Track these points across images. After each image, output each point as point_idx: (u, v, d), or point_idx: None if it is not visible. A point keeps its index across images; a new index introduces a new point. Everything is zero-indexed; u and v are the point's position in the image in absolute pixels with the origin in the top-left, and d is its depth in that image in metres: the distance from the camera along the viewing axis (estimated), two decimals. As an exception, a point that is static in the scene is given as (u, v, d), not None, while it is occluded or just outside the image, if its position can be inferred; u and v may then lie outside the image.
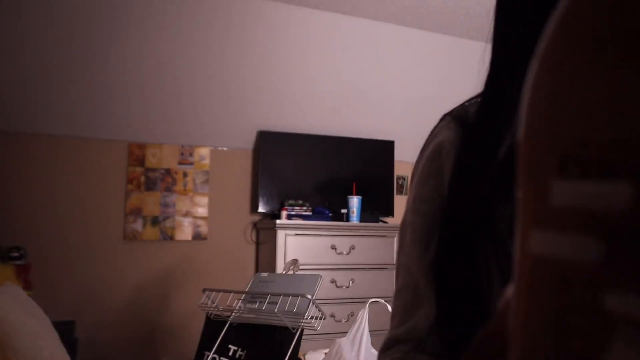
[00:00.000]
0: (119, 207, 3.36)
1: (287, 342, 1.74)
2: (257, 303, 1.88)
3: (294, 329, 1.75)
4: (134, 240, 3.37)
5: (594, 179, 0.15)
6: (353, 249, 3.32)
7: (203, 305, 2.00)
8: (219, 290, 1.98)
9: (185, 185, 3.51)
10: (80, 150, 3.29)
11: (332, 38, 3.63)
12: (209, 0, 3.30)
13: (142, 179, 3.41)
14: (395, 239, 3.41)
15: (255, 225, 3.63)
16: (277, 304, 1.80)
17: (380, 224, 3.52)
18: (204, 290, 2.02)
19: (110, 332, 3.25)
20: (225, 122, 3.55)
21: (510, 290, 0.20)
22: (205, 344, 1.95)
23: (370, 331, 2.06)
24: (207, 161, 3.57)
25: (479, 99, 0.59)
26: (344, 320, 3.23)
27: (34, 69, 3.06)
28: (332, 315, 3.18)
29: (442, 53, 3.90)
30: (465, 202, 0.54)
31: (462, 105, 0.62)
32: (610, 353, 0.15)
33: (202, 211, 3.53)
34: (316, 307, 1.77)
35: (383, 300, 2.18)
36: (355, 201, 3.41)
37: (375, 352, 2.02)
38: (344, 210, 3.45)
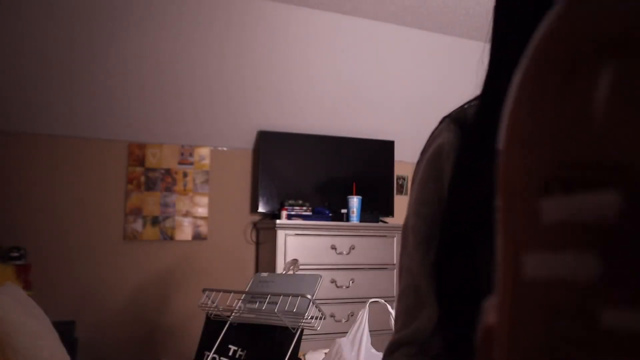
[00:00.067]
0: (119, 207, 3.36)
1: (287, 342, 1.74)
2: (257, 303, 1.88)
3: (294, 329, 1.75)
4: (134, 240, 3.37)
5: (581, 194, 0.15)
6: (353, 249, 3.32)
7: (203, 305, 2.00)
8: (219, 290, 1.98)
9: (185, 185, 3.51)
10: (80, 150, 3.29)
11: (332, 38, 3.63)
12: (209, 0, 3.30)
13: (142, 179, 3.41)
14: (395, 239, 3.42)
15: (255, 225, 3.63)
16: (277, 304, 1.80)
17: (380, 224, 3.52)
18: (204, 290, 2.02)
19: (110, 332, 3.25)
20: (225, 122, 3.55)
21: (490, 317, 0.19)
22: (205, 344, 1.95)
23: (370, 331, 2.06)
24: (207, 161, 3.57)
25: (478, 101, 0.59)
26: (344, 320, 3.23)
27: (34, 69, 3.06)
28: (332, 315, 3.18)
29: (442, 53, 3.91)
30: (465, 204, 0.54)
31: (462, 107, 0.62)
32: None
33: (202, 211, 3.53)
34: (316, 307, 1.77)
35: (383, 300, 2.18)
36: (355, 201, 3.41)
37: (375, 352, 2.02)
38: (344, 210, 3.45)
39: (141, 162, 3.42)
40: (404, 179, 4.05)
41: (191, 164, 3.53)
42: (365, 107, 3.82)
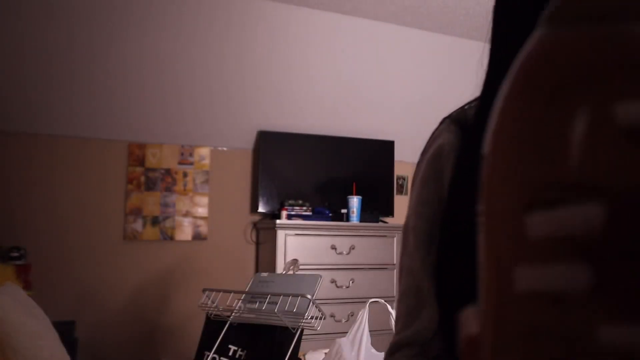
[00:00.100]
0: (119, 207, 3.36)
1: (287, 342, 1.74)
2: (257, 303, 1.88)
3: (294, 329, 1.75)
4: (134, 240, 3.37)
5: (564, 209, 0.16)
6: (353, 249, 3.32)
7: (203, 305, 2.00)
8: (219, 290, 1.98)
9: (185, 185, 3.51)
10: (80, 150, 3.29)
11: (332, 38, 3.63)
12: (209, 0, 3.30)
13: (142, 179, 3.41)
14: (395, 239, 3.42)
15: (255, 225, 3.63)
16: (277, 304, 1.80)
17: (380, 224, 3.52)
18: (204, 290, 2.02)
19: (110, 332, 3.25)
20: (225, 122, 3.55)
21: (472, 328, 0.19)
22: (205, 344, 1.95)
23: (370, 331, 2.06)
24: (207, 161, 3.57)
25: (477, 102, 0.59)
26: (344, 320, 3.23)
27: (34, 69, 3.06)
28: (332, 315, 3.18)
29: (442, 53, 3.90)
30: (465, 204, 0.54)
31: (462, 108, 0.62)
32: None
33: (202, 211, 3.53)
34: (316, 307, 1.77)
35: (383, 300, 2.18)
36: (355, 201, 3.41)
37: (375, 352, 2.02)
38: (344, 210, 3.45)
39: (141, 162, 3.42)
40: (404, 179, 4.05)
41: (191, 164, 3.53)
42: (365, 107, 3.82)
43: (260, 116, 3.60)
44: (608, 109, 0.16)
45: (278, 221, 3.20)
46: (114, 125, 3.34)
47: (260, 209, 3.49)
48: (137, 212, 3.38)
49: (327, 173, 3.66)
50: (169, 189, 3.47)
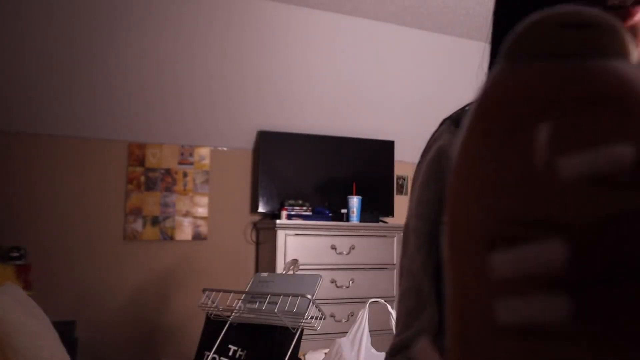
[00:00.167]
0: (119, 207, 3.36)
1: (287, 342, 1.74)
2: (257, 303, 1.88)
3: (294, 329, 1.75)
4: (134, 240, 3.37)
5: (525, 247, 0.16)
6: (353, 249, 3.32)
7: (203, 305, 2.00)
8: (219, 290, 1.98)
9: (185, 185, 3.51)
10: (80, 150, 3.29)
11: (332, 38, 3.63)
12: (209, 0, 3.30)
13: (142, 179, 3.41)
14: (395, 239, 3.42)
15: (255, 225, 3.63)
16: (277, 304, 1.80)
17: (380, 224, 3.52)
18: (204, 290, 2.02)
19: (110, 332, 3.25)
20: (225, 122, 3.55)
21: None
22: (205, 344, 1.95)
23: (370, 331, 2.06)
24: (207, 161, 3.57)
25: None
26: (344, 320, 3.23)
27: (34, 69, 3.06)
28: (332, 315, 3.18)
29: (442, 53, 3.91)
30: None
31: (462, 108, 0.62)
32: None
33: (202, 211, 3.53)
34: (316, 307, 1.77)
35: (383, 300, 2.18)
36: (355, 201, 3.41)
37: (375, 352, 2.02)
38: (344, 210, 3.45)
39: (141, 162, 3.42)
40: (404, 179, 4.05)
41: (191, 164, 3.53)
42: (365, 107, 3.82)
43: (260, 116, 3.60)
44: (565, 140, 0.16)
45: (278, 221, 3.20)
46: (114, 125, 3.34)
47: (260, 209, 3.49)
48: (137, 212, 3.38)
49: (327, 173, 3.66)
50: (169, 189, 3.47)
